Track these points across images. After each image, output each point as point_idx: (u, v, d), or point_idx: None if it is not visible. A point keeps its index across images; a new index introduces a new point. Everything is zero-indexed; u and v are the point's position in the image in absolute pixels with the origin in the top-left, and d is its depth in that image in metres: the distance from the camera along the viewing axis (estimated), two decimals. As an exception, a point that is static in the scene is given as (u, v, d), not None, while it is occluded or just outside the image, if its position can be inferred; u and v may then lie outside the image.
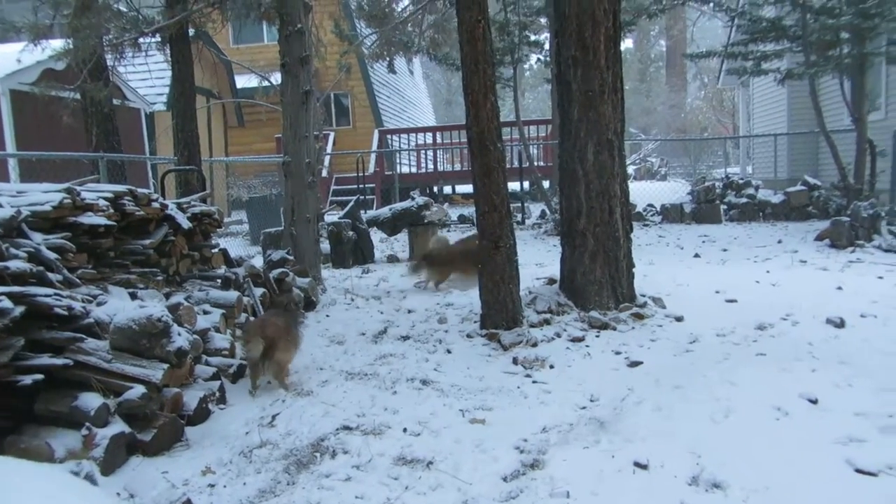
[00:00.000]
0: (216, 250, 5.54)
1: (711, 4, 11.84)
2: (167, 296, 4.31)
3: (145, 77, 12.48)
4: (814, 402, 3.32)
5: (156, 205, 4.66)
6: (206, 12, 6.64)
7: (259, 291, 5.44)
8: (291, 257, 6.35)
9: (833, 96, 12.47)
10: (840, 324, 4.80)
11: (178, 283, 4.87)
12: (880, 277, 6.54)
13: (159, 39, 6.87)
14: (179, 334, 3.35)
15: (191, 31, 7.27)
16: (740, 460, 2.81)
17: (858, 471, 2.71)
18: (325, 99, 17.99)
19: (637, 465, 2.85)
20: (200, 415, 3.46)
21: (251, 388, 3.92)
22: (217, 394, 3.69)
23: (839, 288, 6.09)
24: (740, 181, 12.37)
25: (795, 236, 9.37)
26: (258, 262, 6.88)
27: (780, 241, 9.07)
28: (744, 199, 11.71)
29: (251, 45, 19.24)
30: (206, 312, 4.41)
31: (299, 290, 5.97)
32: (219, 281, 5.09)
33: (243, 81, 17.21)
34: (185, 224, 4.90)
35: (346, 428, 3.36)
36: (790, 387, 3.49)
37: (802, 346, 4.28)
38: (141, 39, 6.65)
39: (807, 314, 5.10)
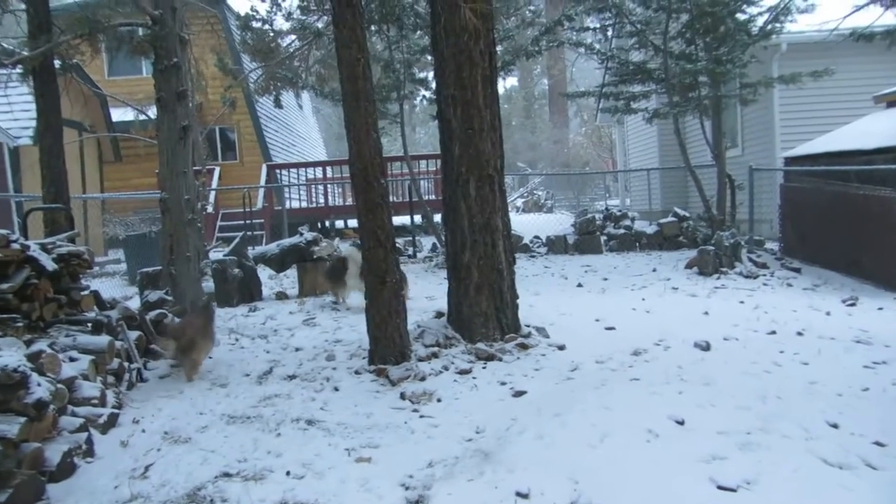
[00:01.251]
0: (86, 292, 5.21)
1: (584, 48, 12.54)
2: (28, 343, 4.01)
3: (8, 110, 11.67)
4: (681, 422, 3.52)
5: (16, 246, 4.34)
6: (73, 44, 6.32)
7: (134, 335, 5.18)
8: (170, 298, 6.09)
9: (696, 134, 13.49)
10: (706, 347, 5.15)
11: (43, 329, 4.55)
12: (741, 302, 7.07)
13: (21, 71, 6.46)
14: (39, 385, 3.13)
15: (57, 63, 6.89)
16: (615, 483, 2.94)
17: (720, 487, 2.90)
18: (209, 133, 17.51)
19: (519, 494, 2.91)
20: (65, 470, 3.23)
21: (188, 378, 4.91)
22: (84, 446, 3.47)
23: (706, 313, 6.54)
24: (618, 213, 13.02)
25: (668, 265, 9.96)
26: (135, 303, 6.54)
27: (654, 270, 9.61)
28: (622, 231, 12.33)
29: (129, 78, 18.43)
30: (73, 359, 4.13)
31: (179, 331, 5.71)
32: (89, 325, 4.80)
33: (119, 115, 16.44)
34: (50, 266, 4.59)
35: (226, 475, 3.23)
36: (660, 409, 3.69)
37: (672, 369, 4.54)
38: (0, 71, 6.23)
39: (677, 339, 5.43)
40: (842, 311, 6.59)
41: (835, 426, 3.50)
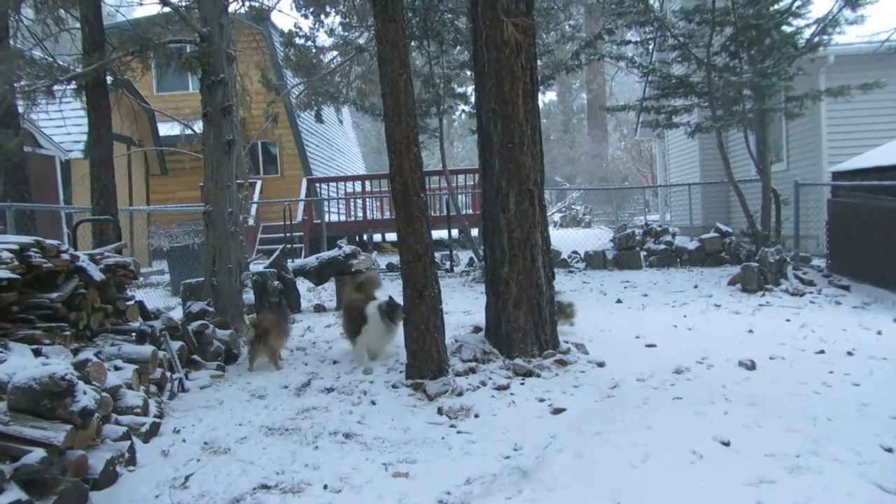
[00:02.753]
0: (131, 303, 5.34)
1: (625, 62, 12.45)
2: (75, 352, 4.11)
3: (61, 124, 12.07)
4: (726, 444, 3.41)
5: (65, 256, 4.47)
6: (125, 60, 6.51)
7: (177, 345, 5.26)
8: (212, 309, 6.18)
9: (740, 148, 13.24)
10: (751, 366, 5.01)
11: (89, 338, 4.66)
12: (787, 320, 6.88)
13: (75, 87, 6.69)
14: (85, 393, 3.19)
15: (109, 79, 7.12)
16: (658, 505, 2.86)
17: (768, 511, 2.79)
18: (251, 147, 17.84)
19: (558, 513, 2.85)
20: (107, 478, 3.28)
21: (249, 367, 5.62)
22: (127, 455, 3.51)
23: (750, 331, 6.37)
24: (658, 228, 12.83)
25: (710, 281, 9.77)
26: (177, 314, 6.66)
27: (696, 286, 9.43)
28: (662, 246, 12.14)
29: (175, 93, 18.97)
30: (117, 368, 4.22)
31: (220, 342, 5.80)
32: (133, 335, 4.90)
33: (166, 129, 16.90)
34: (98, 276, 4.71)
35: (264, 487, 3.24)
36: (704, 429, 3.58)
37: (716, 388, 4.43)
38: (56, 87, 6.45)
39: (721, 357, 5.30)
40: (894, 330, 6.35)
41: (889, 451, 3.36)
